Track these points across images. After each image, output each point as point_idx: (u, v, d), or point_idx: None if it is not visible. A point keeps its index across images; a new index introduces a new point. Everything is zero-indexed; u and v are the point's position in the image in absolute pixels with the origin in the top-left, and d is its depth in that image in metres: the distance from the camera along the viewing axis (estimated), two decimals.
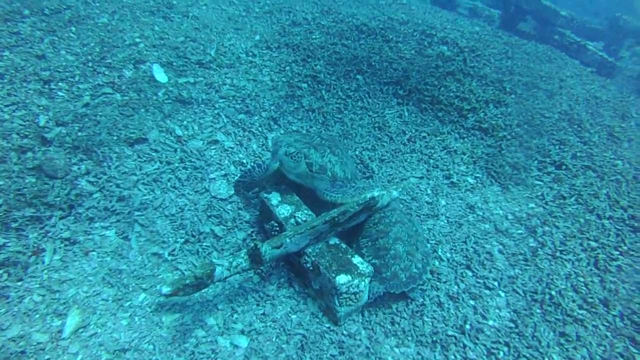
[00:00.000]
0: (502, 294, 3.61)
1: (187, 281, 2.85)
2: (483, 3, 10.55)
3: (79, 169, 3.95)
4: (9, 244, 3.28)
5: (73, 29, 6.07)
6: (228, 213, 3.92)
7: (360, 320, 3.28)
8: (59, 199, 3.65)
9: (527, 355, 3.19)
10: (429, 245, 3.68)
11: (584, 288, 3.76)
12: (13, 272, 3.16)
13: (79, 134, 4.25)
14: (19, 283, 3.13)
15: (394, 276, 3.31)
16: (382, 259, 3.39)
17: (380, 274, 3.34)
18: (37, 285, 3.15)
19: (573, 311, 3.53)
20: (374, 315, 3.33)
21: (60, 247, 3.42)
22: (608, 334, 3.45)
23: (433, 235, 4.09)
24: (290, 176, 3.83)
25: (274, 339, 3.07)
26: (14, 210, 3.47)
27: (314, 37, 6.71)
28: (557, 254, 4.06)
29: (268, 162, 3.93)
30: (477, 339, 3.24)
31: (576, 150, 5.47)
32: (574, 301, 3.63)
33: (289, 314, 3.24)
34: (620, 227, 4.48)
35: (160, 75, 5.33)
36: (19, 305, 3.00)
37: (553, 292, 3.67)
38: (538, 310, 3.53)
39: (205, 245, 3.63)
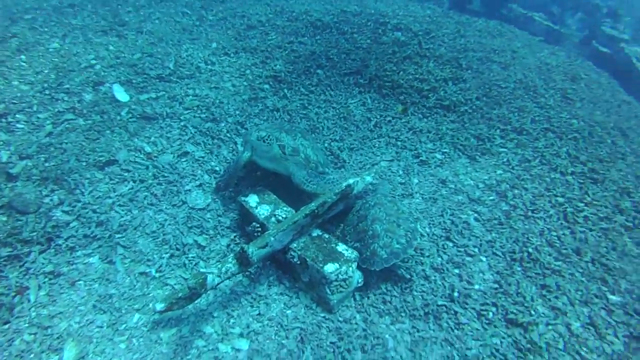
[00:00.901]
0: (484, 259, 3.78)
1: (181, 294, 2.90)
2: None
3: (51, 200, 3.90)
4: None
5: (23, 57, 5.94)
6: (208, 222, 3.95)
7: (354, 305, 3.39)
8: (35, 233, 3.60)
9: (515, 310, 3.35)
10: (413, 221, 3.75)
11: (557, 241, 3.97)
12: None
13: (46, 164, 4.19)
14: (6, 326, 3.06)
15: (373, 254, 3.40)
16: (362, 242, 3.50)
17: (362, 254, 3.44)
18: (27, 325, 3.08)
19: (550, 264, 3.74)
20: (366, 298, 3.44)
21: (44, 282, 3.37)
22: (583, 279, 3.67)
23: (410, 214, 4.22)
24: (263, 162, 3.88)
25: (273, 337, 3.13)
26: None
27: (270, 38, 6.76)
28: (529, 213, 4.26)
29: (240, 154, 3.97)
30: (467, 304, 3.39)
31: (534, 115, 5.71)
32: (550, 255, 3.84)
33: (284, 310, 3.31)
34: (582, 181, 4.73)
35: (121, 95, 5.28)
36: (9, 349, 2.93)
37: (530, 249, 3.86)
38: (519, 268, 3.71)
39: (191, 257, 3.66)
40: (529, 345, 3.13)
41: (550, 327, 3.26)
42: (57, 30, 6.77)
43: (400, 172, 4.72)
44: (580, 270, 3.74)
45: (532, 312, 3.35)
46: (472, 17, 9.12)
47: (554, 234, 4.06)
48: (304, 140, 3.95)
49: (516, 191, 4.53)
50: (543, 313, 3.36)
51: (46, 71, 5.65)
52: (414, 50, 6.71)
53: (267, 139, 3.79)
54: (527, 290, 3.52)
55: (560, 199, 4.46)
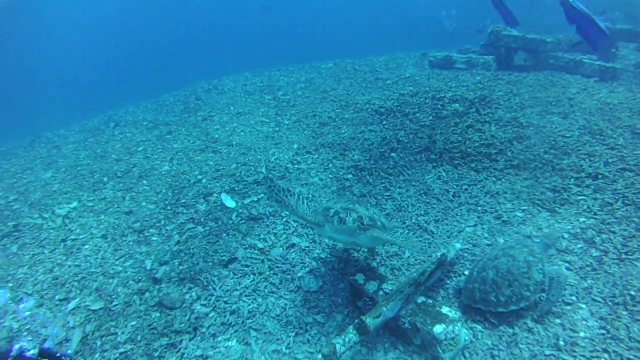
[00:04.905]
0: (583, 306, 3.93)
1: None
2: (476, 53, 11.49)
3: (190, 296, 4.70)
4: None
5: (145, 182, 7.25)
6: (323, 302, 4.50)
7: None
8: (183, 324, 4.36)
9: (632, 357, 3.41)
10: (532, 291, 3.85)
11: None
12: None
13: (181, 267, 5.08)
14: None
15: (471, 291, 3.91)
16: (475, 273, 4.01)
17: (466, 283, 3.99)
18: None
19: None
20: (475, 355, 3.70)
21: None
22: None
23: (541, 283, 4.42)
24: (341, 238, 3.84)
25: None
26: (152, 342, 4.20)
27: (342, 131, 7.67)
28: (623, 256, 4.38)
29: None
30: (575, 351, 3.53)
31: (606, 157, 5.86)
32: None
33: None
34: None
35: (229, 201, 6.27)
36: None
37: (632, 292, 3.95)
38: (624, 312, 3.80)
39: (313, 333, 4.19)
40: None
41: None
42: (165, 155, 8.19)
43: (486, 235, 5.06)
44: None
45: None
46: (522, 74, 9.55)
47: None
48: (374, 208, 4.27)
49: (604, 236, 4.68)
50: None
51: (164, 190, 6.86)
52: (473, 118, 7.26)
53: (341, 214, 3.68)
54: None
55: None
